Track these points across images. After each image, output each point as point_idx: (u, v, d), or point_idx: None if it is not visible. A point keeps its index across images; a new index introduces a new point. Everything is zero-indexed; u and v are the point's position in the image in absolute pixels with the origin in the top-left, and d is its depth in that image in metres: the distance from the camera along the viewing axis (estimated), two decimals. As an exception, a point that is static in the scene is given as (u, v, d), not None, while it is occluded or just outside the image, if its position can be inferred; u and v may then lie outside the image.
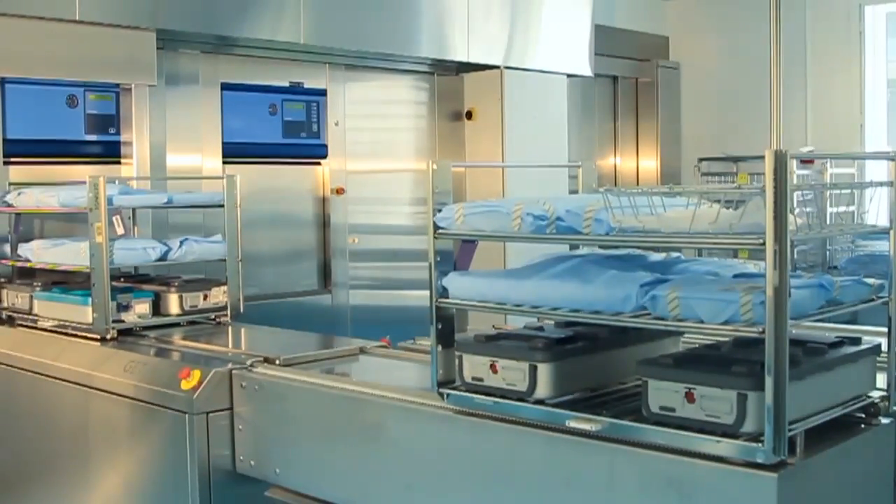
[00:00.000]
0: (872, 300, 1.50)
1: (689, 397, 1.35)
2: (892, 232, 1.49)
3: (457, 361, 1.64)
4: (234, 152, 3.39)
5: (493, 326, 1.89)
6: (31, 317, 2.67)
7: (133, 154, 3.04)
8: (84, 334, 2.45)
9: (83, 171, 2.99)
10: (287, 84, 3.59)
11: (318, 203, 3.76)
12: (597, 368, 1.60)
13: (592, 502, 1.46)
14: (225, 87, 3.40)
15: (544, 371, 1.52)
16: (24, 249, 2.80)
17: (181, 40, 3.16)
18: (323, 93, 3.68)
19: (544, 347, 1.54)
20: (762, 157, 1.26)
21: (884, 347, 1.52)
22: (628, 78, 5.31)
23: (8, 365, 2.57)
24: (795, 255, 4.26)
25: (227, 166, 3.34)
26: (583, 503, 1.48)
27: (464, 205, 1.63)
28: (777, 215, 1.24)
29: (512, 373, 1.55)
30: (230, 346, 2.40)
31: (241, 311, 2.61)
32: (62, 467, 2.42)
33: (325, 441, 1.89)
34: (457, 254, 1.70)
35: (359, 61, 3.73)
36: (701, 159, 5.09)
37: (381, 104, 4.00)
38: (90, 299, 2.44)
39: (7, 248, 2.89)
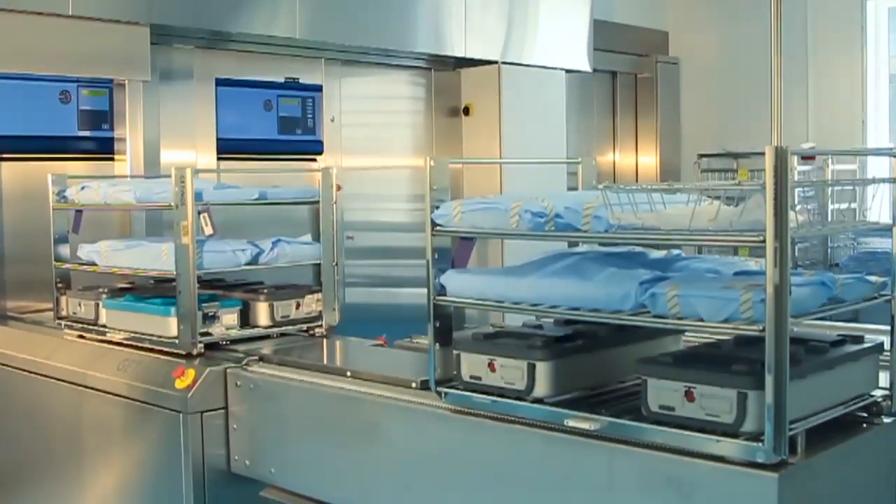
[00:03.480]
0: (874, 298, 1.49)
1: (689, 396, 1.34)
2: (894, 229, 1.48)
3: (455, 360, 1.63)
4: (228, 148, 3.37)
5: (492, 325, 1.87)
6: (97, 327, 2.36)
7: (127, 150, 3.01)
8: (164, 349, 2.15)
9: (76, 168, 2.97)
10: (282, 80, 3.57)
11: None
12: (596, 367, 1.59)
13: (591, 502, 1.45)
14: (219, 82, 3.37)
15: (543, 369, 1.51)
16: (89, 251, 2.45)
17: (175, 35, 3.14)
18: (319, 88, 3.66)
19: (543, 346, 1.53)
20: (763, 154, 1.24)
21: (886, 346, 1.51)
22: (627, 73, 5.29)
23: (1, 364, 2.54)
24: (796, 253, 4.25)
25: (221, 162, 3.32)
26: (581, 503, 1.46)
27: (462, 202, 1.62)
28: (777, 212, 1.23)
29: (510, 371, 1.54)
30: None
31: (338, 321, 2.34)
32: (56, 467, 2.40)
33: (321, 440, 1.88)
34: (455, 251, 1.68)
35: (355, 56, 3.71)
36: (701, 155, 5.07)
37: (377, 100, 3.98)
38: (172, 309, 2.13)
39: (63, 249, 2.55)
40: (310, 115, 3.62)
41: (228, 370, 2.03)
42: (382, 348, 2.26)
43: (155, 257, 2.25)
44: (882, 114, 5.04)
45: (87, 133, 3.04)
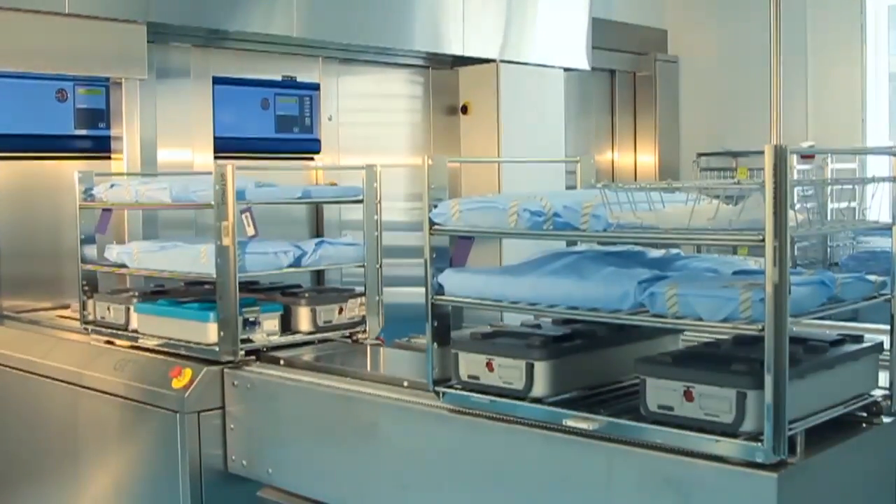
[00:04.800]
0: (874, 297, 1.48)
1: (688, 396, 1.33)
2: (893, 228, 1.48)
3: (453, 359, 1.62)
4: (225, 147, 3.35)
5: (490, 324, 1.87)
6: (127, 333, 2.24)
7: (123, 149, 3.00)
8: (203, 357, 2.03)
9: (73, 167, 2.95)
10: (279, 78, 3.56)
11: (311, 198, 3.71)
12: (594, 366, 1.59)
13: (590, 502, 1.45)
14: (216, 81, 3.35)
15: (541, 369, 1.51)
16: (119, 253, 2.33)
17: (172, 33, 3.12)
18: (316, 87, 3.64)
19: (541, 345, 1.53)
20: (762, 153, 1.24)
21: (886, 345, 1.51)
22: (626, 72, 5.28)
23: (-4, 363, 2.54)
24: (796, 252, 4.24)
25: (218, 161, 3.30)
26: (580, 503, 1.46)
27: (460, 201, 1.61)
28: (777, 211, 1.23)
29: (508, 371, 1.53)
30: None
31: (381, 326, 2.23)
32: (51, 467, 2.39)
33: (318, 440, 1.87)
34: (453, 250, 1.68)
35: (352, 55, 3.69)
36: (700, 154, 5.07)
37: (374, 98, 3.96)
38: (211, 314, 2.01)
39: (87, 250, 2.41)
40: (307, 114, 3.60)
41: (225, 370, 2.02)
42: (380, 348, 2.24)
43: (193, 259, 2.11)
44: (882, 112, 5.02)
45: (83, 132, 3.03)
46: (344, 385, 1.86)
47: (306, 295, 2.22)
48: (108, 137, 3.05)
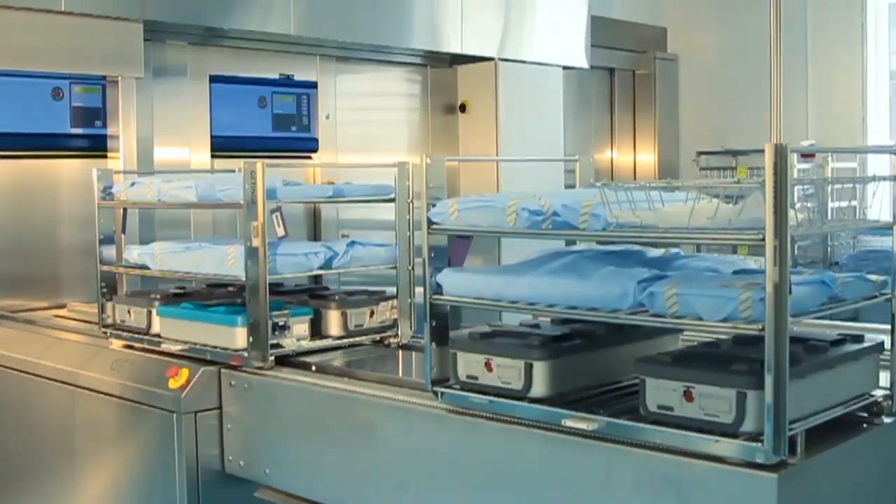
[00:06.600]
0: (875, 297, 1.48)
1: (688, 396, 1.33)
2: (894, 227, 1.47)
3: (451, 359, 1.61)
4: (222, 146, 3.35)
5: (488, 324, 1.86)
6: (148, 337, 2.16)
7: (120, 148, 2.98)
8: (230, 363, 1.95)
9: (69, 166, 2.94)
10: (277, 76, 3.55)
11: (309, 197, 3.69)
12: (594, 366, 1.58)
13: (589, 503, 1.44)
14: (213, 79, 3.34)
15: (540, 369, 1.50)
16: (141, 254, 2.23)
17: (169, 31, 3.11)
18: (313, 85, 3.63)
19: (540, 345, 1.52)
20: (762, 151, 1.23)
21: (886, 345, 1.50)
22: (625, 70, 5.27)
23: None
24: (796, 251, 4.24)
25: (215, 160, 3.29)
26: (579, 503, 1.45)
27: (458, 200, 1.61)
28: (777, 210, 1.22)
29: (507, 371, 1.53)
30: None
31: (413, 330, 2.16)
32: (48, 467, 2.38)
33: (315, 441, 1.86)
34: (451, 250, 1.67)
35: (350, 53, 3.69)
36: (699, 153, 5.06)
37: (372, 97, 3.95)
38: (239, 318, 1.93)
39: (105, 250, 2.32)
40: (304, 113, 3.59)
41: (223, 370, 2.01)
42: (378, 348, 2.23)
43: (220, 261, 2.02)
44: (882, 111, 5.02)
45: (79, 130, 3.02)
46: (341, 385, 1.85)
47: (336, 298, 2.13)
48: (105, 136, 3.04)
